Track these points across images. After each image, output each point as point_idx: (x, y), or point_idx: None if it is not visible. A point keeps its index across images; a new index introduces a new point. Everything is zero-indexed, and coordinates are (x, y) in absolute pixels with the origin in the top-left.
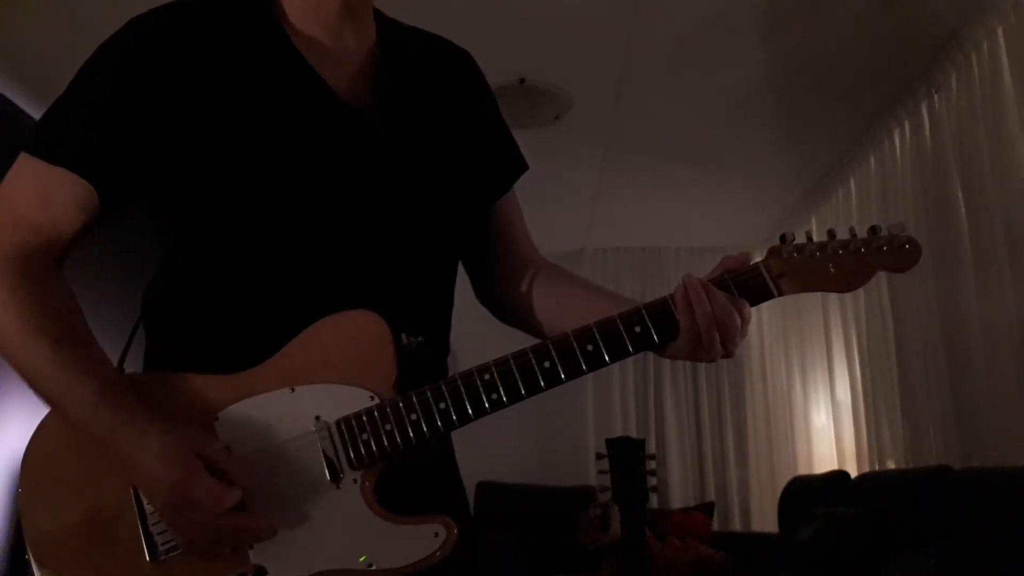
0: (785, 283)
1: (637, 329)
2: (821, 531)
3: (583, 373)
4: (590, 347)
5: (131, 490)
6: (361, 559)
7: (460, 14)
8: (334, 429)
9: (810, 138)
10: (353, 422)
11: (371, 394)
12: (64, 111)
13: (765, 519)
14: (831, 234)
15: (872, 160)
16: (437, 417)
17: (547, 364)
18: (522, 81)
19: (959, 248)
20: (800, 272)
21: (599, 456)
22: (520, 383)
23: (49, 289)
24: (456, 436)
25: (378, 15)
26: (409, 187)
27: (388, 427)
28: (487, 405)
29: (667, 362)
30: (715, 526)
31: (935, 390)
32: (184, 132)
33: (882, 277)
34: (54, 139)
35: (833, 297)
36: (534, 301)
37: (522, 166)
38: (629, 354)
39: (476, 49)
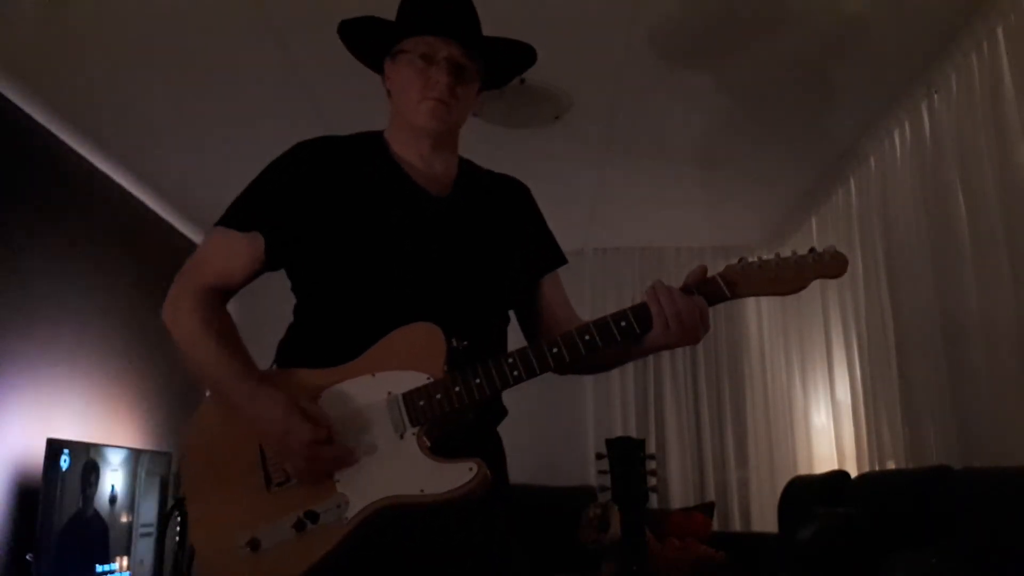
0: (737, 288)
1: (623, 323)
2: (821, 531)
3: (581, 355)
4: (587, 336)
5: (258, 444)
6: (416, 487)
7: None
8: (400, 399)
9: (810, 138)
10: (413, 394)
11: (427, 375)
12: (247, 200)
13: (765, 519)
14: (777, 255)
15: (872, 160)
16: (474, 389)
17: (555, 349)
18: (522, 81)
19: (959, 248)
20: (747, 280)
21: (599, 456)
22: (535, 363)
23: (219, 312)
24: None
25: (463, 159)
26: (471, 257)
27: (438, 396)
28: (511, 380)
29: (667, 362)
30: (715, 526)
31: (935, 390)
32: (324, 222)
33: (882, 277)
34: (244, 214)
35: (833, 297)
36: None
37: (560, 260)
38: (616, 341)
39: None
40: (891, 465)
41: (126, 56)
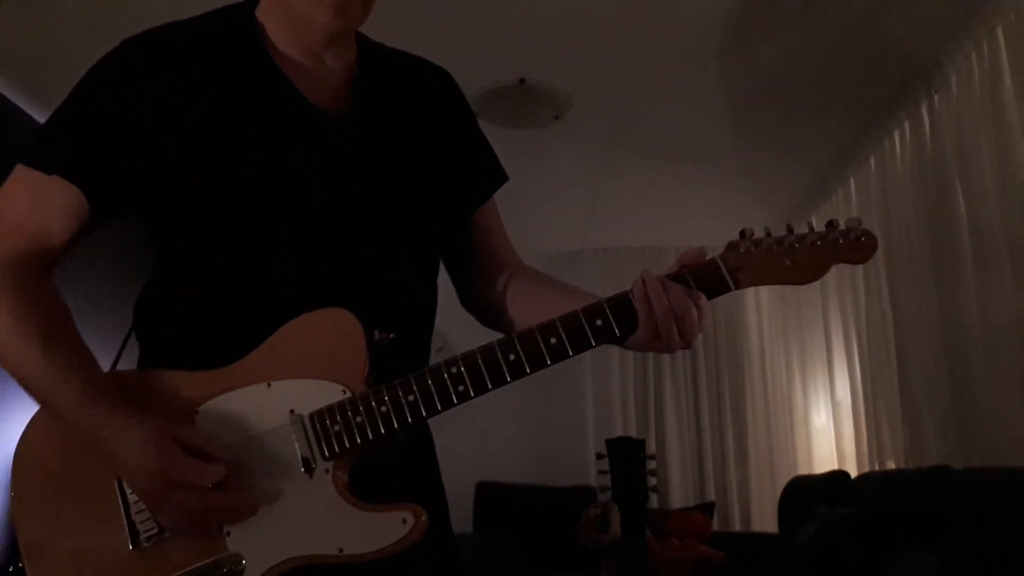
0: (742, 276)
1: (598, 322)
2: (821, 531)
3: (547, 365)
4: (553, 340)
5: (115, 481)
6: (333, 546)
7: (461, 14)
8: (307, 422)
9: (810, 138)
10: (325, 415)
11: (343, 388)
12: (57, 125)
13: (765, 519)
14: (789, 229)
15: (872, 160)
16: (406, 409)
17: (512, 357)
18: (522, 81)
19: (959, 248)
20: (756, 265)
21: (599, 456)
22: (486, 376)
23: (39, 293)
24: (456, 436)
25: (361, 39)
26: (381, 191)
27: (359, 419)
28: (454, 398)
29: (667, 362)
30: (715, 526)
31: (935, 390)
32: (169, 146)
33: (882, 277)
34: (48, 151)
35: (833, 297)
36: (508, 302)
37: (501, 178)
38: (591, 346)
39: (476, 49)
40: (891, 465)
41: None
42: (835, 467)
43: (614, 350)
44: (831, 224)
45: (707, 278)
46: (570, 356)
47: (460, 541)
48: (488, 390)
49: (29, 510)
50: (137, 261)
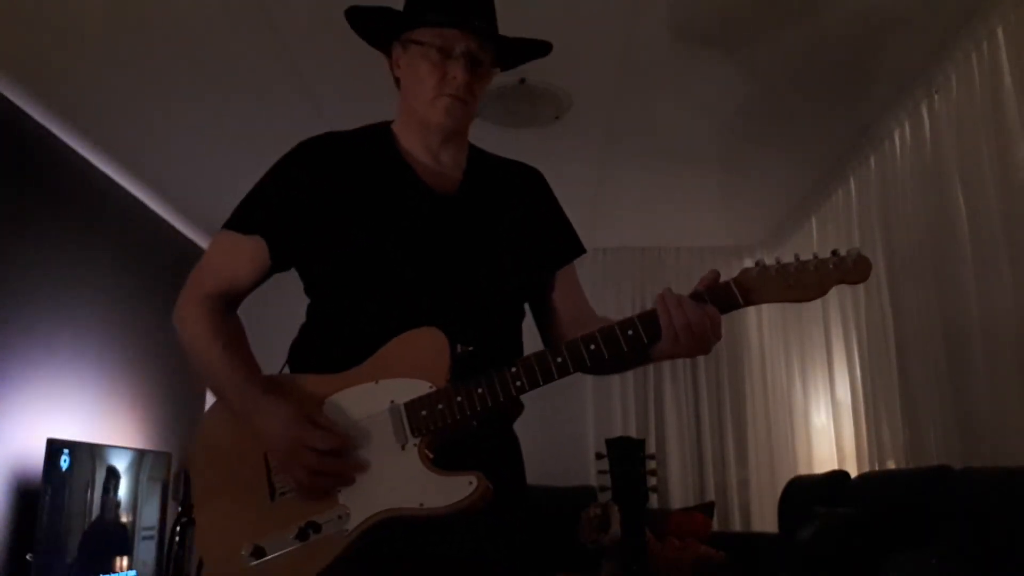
0: (752, 295)
1: (630, 332)
2: (821, 531)
3: (586, 367)
4: (592, 346)
5: (263, 454)
6: (415, 501)
7: None
8: (402, 409)
9: (810, 138)
10: (416, 403)
11: (430, 384)
12: (252, 202)
13: (765, 519)
14: (796, 257)
15: (872, 160)
16: (476, 399)
17: (559, 359)
18: (522, 81)
19: (959, 248)
20: (763, 287)
21: (599, 456)
22: (538, 373)
23: (226, 317)
24: None
25: (473, 147)
26: (476, 251)
27: (440, 406)
28: (512, 390)
29: (667, 362)
30: (715, 526)
31: (935, 390)
32: (326, 222)
33: (882, 277)
34: (247, 217)
35: (833, 298)
36: None
37: (578, 250)
38: (623, 351)
39: None
40: (891, 465)
41: (128, 59)
42: (835, 467)
43: None
44: (834, 253)
45: (721, 296)
46: (605, 359)
47: None
48: (539, 384)
49: (202, 472)
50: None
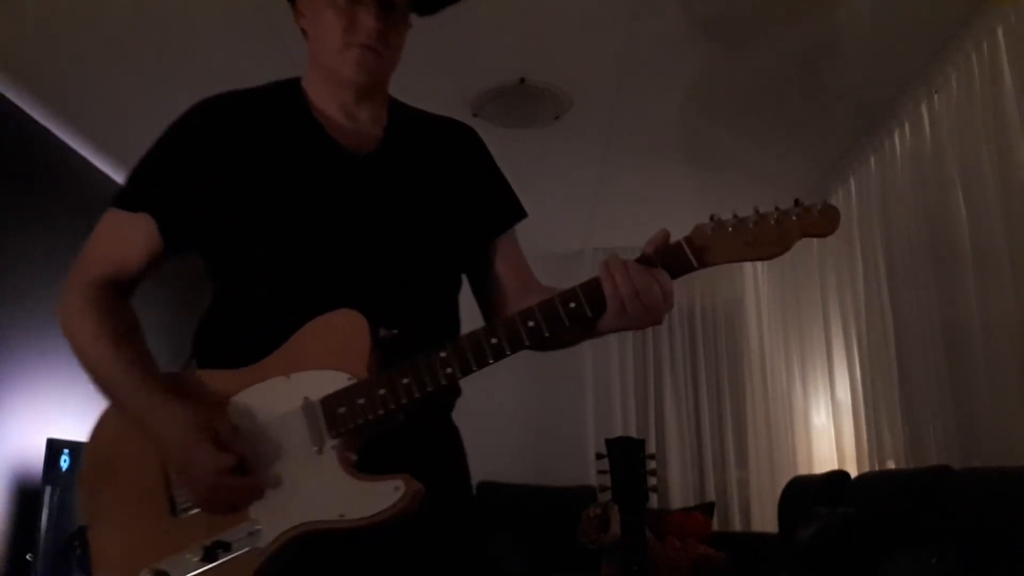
0: (707, 255)
1: (572, 304)
2: (821, 531)
3: (525, 346)
4: (531, 323)
5: (162, 463)
6: (335, 512)
7: (461, 14)
8: (317, 406)
9: (810, 138)
10: (332, 399)
11: (348, 375)
12: (138, 173)
13: (765, 519)
14: (755, 210)
15: (872, 160)
16: (400, 390)
17: (494, 340)
18: (522, 81)
19: (959, 248)
20: (719, 244)
21: (599, 456)
22: (471, 358)
23: (116, 308)
24: None
25: (394, 101)
26: (398, 217)
27: (361, 400)
28: (442, 379)
29: (667, 362)
30: (715, 526)
31: (935, 390)
32: (226, 192)
33: (882, 277)
34: (132, 193)
35: (833, 297)
36: None
37: (518, 214)
38: (565, 326)
39: (476, 49)
40: (891, 465)
41: (129, 59)
42: (835, 467)
43: (613, 350)
44: (796, 202)
45: (671, 258)
46: (546, 336)
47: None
48: (473, 371)
49: (93, 486)
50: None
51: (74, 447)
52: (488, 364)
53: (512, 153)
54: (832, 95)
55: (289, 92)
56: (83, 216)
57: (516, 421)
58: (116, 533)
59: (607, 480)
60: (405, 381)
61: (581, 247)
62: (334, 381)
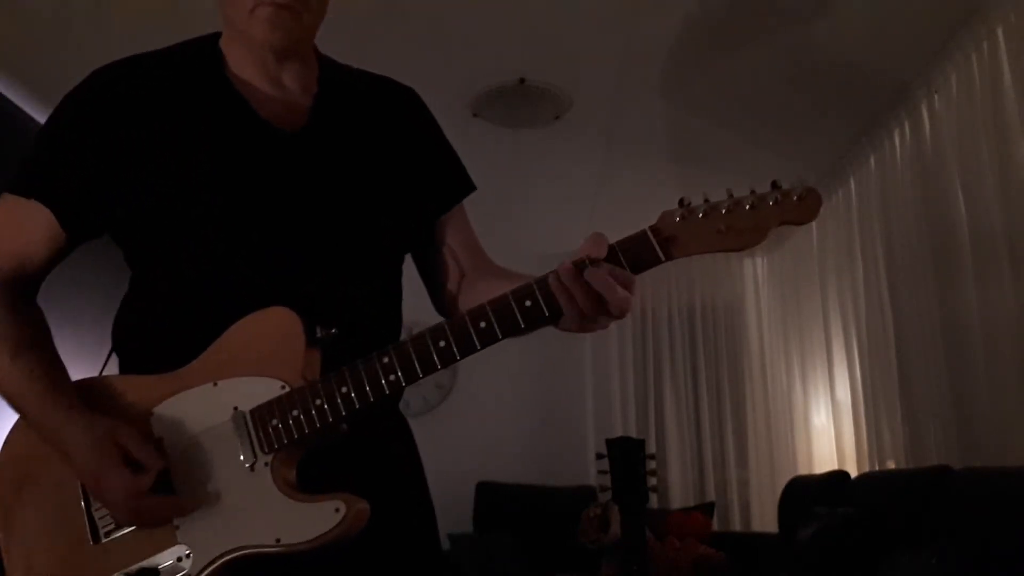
0: (675, 247)
1: (528, 303)
2: (821, 531)
3: (477, 350)
4: (483, 324)
5: (78, 482)
6: (270, 536)
7: (461, 14)
8: (248, 418)
9: (810, 138)
10: (264, 410)
11: (282, 383)
12: (34, 153)
13: (765, 519)
14: (729, 193)
15: (872, 160)
16: (339, 400)
17: (442, 344)
18: (522, 81)
19: (959, 248)
20: (689, 234)
21: (599, 456)
22: (416, 363)
23: (15, 308)
24: (456, 437)
25: (326, 60)
26: (332, 201)
27: (295, 412)
28: (385, 387)
29: (667, 362)
30: (715, 526)
31: (935, 390)
32: (135, 170)
33: (882, 277)
34: (25, 177)
35: (833, 297)
36: (469, 303)
37: (466, 188)
38: (521, 329)
39: (476, 49)
40: (891, 465)
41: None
42: (835, 467)
43: (613, 349)
44: (774, 185)
45: (636, 251)
46: (499, 340)
47: (460, 541)
48: (419, 377)
49: (6, 509)
50: (115, 285)
51: None
52: (436, 370)
53: (512, 153)
54: (832, 95)
55: (204, 54)
56: None
57: (516, 421)
58: (32, 561)
59: (607, 480)
60: (344, 390)
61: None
62: (266, 389)
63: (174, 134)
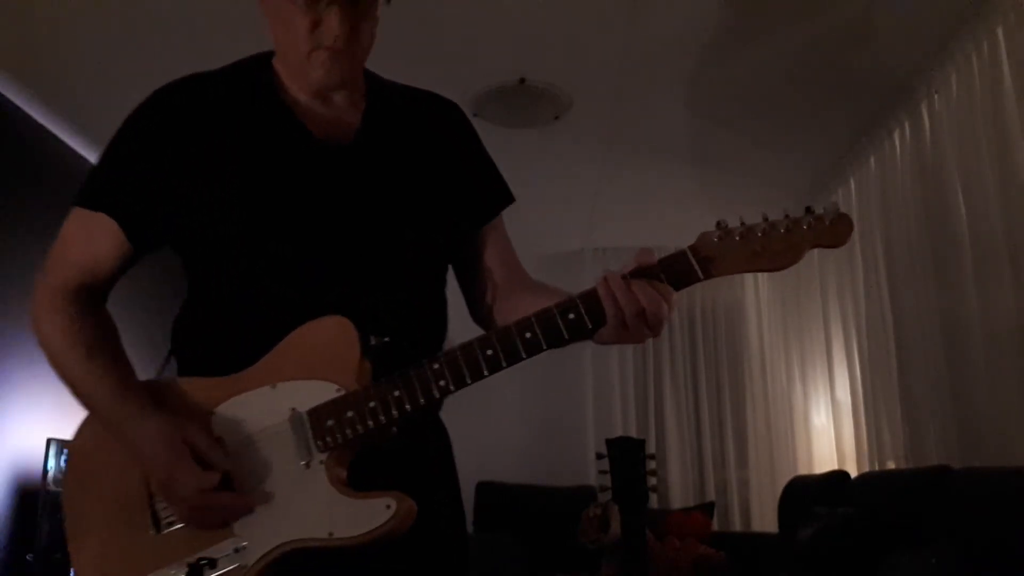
0: (713, 266)
1: (571, 316)
2: (821, 531)
3: (522, 359)
4: (528, 335)
5: (144, 478)
6: (324, 530)
7: (461, 14)
8: (305, 418)
9: (810, 138)
10: (321, 411)
11: (337, 386)
12: (100, 169)
13: (765, 519)
14: (764, 217)
15: (872, 160)
16: (392, 404)
17: (489, 352)
18: (522, 81)
19: (959, 248)
20: (726, 254)
21: (599, 456)
22: (465, 371)
23: (88, 313)
24: (456, 436)
25: (372, 77)
26: (381, 212)
27: (350, 414)
28: (436, 392)
29: (667, 362)
30: (715, 526)
31: (935, 390)
32: (194, 185)
33: (882, 277)
34: (93, 191)
35: (833, 297)
36: (507, 315)
37: (506, 199)
38: (564, 339)
39: (476, 49)
40: (891, 465)
41: (129, 60)
42: (835, 467)
43: (613, 350)
44: (808, 210)
45: (676, 269)
46: (543, 350)
47: None
48: (467, 384)
49: (74, 500)
50: (173, 291)
51: None
52: (483, 377)
53: (512, 153)
54: (832, 95)
55: (258, 74)
56: None
57: (516, 421)
58: (98, 548)
59: (607, 480)
60: (396, 394)
61: (581, 247)
62: (322, 392)
63: (231, 150)
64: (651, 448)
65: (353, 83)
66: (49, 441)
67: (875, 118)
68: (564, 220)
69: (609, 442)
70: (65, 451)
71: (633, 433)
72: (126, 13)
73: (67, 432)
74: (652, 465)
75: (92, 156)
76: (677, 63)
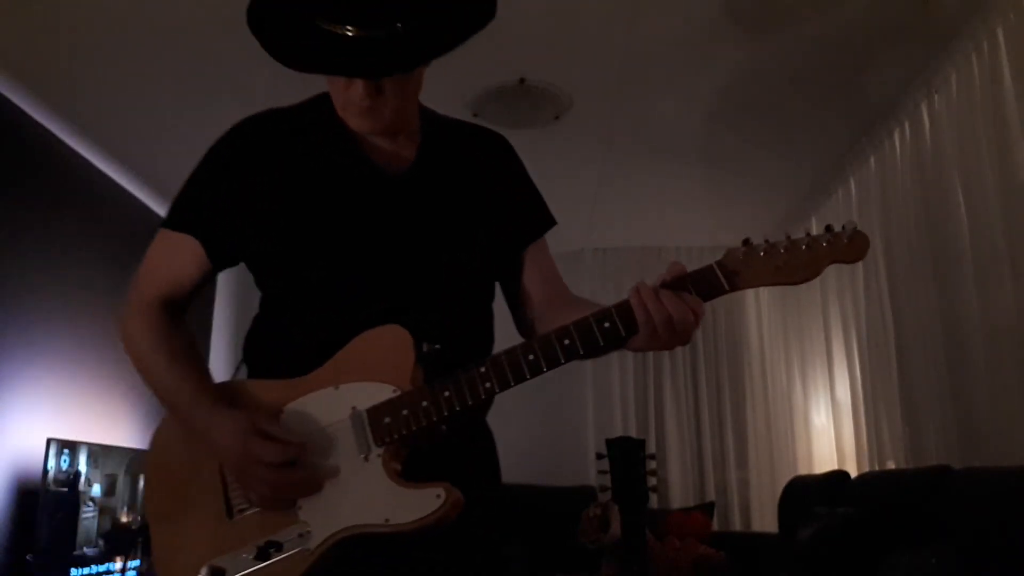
0: (739, 280)
1: (606, 324)
2: (821, 531)
3: (561, 364)
4: (567, 341)
5: (219, 470)
6: (380, 517)
7: None
8: (364, 416)
9: (810, 138)
10: (379, 409)
11: (394, 388)
12: (185, 194)
13: (765, 519)
14: (787, 236)
15: (872, 160)
16: (443, 403)
17: (531, 357)
18: (522, 81)
19: (959, 248)
20: (751, 269)
21: (599, 456)
22: (509, 374)
23: (171, 325)
24: None
25: (425, 111)
26: (435, 233)
27: (405, 412)
28: (482, 393)
29: (667, 362)
30: (715, 526)
31: (935, 390)
32: (269, 210)
33: (882, 277)
34: (178, 214)
35: (833, 297)
36: (538, 328)
37: (548, 222)
38: (600, 346)
39: (476, 49)
40: (891, 465)
41: (129, 60)
42: (835, 467)
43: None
44: (828, 228)
45: (704, 282)
46: (581, 356)
47: None
48: (511, 385)
49: (154, 490)
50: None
51: (74, 447)
52: (524, 380)
53: None
54: (832, 95)
55: (326, 110)
56: (83, 216)
57: (516, 421)
58: (175, 533)
59: (607, 480)
60: (447, 394)
61: (581, 247)
62: (380, 392)
63: (301, 178)
64: (651, 448)
65: (397, 127)
66: (49, 441)
67: (875, 118)
68: (564, 220)
69: (609, 442)
70: (65, 450)
71: (633, 433)
72: (126, 14)
73: (67, 432)
74: (652, 465)
75: (94, 158)
76: (677, 63)
